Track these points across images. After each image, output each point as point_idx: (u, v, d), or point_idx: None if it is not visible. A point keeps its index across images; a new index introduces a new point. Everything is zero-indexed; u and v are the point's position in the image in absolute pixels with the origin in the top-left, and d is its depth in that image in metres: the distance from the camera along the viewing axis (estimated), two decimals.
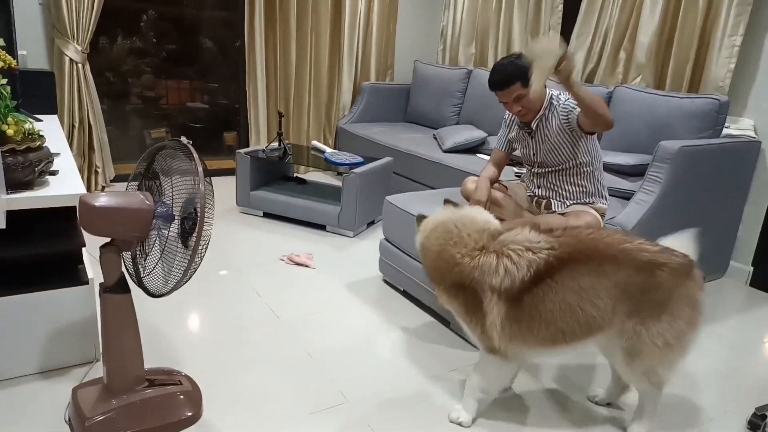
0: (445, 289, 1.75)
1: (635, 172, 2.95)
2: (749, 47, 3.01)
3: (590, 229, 1.70)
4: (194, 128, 5.12)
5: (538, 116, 2.33)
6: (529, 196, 2.53)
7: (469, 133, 3.97)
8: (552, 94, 2.33)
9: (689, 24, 3.17)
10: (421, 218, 1.88)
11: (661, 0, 3.27)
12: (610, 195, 2.56)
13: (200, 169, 1.53)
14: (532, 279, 1.61)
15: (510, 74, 2.20)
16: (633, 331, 1.59)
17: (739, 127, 3.03)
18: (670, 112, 2.99)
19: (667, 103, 3.02)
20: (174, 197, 1.60)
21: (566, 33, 3.99)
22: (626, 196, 2.77)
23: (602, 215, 2.39)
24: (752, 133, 2.99)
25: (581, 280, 1.59)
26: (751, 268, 3.14)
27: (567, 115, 2.26)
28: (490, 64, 4.54)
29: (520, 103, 2.25)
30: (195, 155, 1.56)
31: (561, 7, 4.03)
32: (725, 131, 2.97)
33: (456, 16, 4.81)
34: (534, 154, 2.41)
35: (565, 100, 2.27)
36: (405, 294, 2.73)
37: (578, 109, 2.17)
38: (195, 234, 1.51)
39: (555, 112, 2.31)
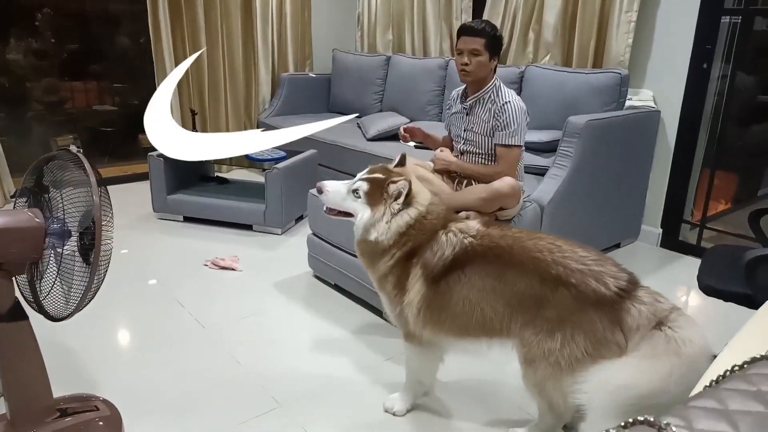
0: (395, 258, 1.68)
1: (549, 149, 3.04)
2: (644, 22, 3.16)
3: (519, 230, 1.64)
4: (105, 132, 4.84)
5: (476, 95, 2.35)
6: (452, 175, 2.55)
7: (392, 120, 3.97)
8: (496, 83, 2.35)
9: (589, 3, 3.29)
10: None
11: None
12: (525, 173, 2.63)
13: (93, 179, 1.44)
14: (449, 264, 1.60)
15: (485, 30, 2.26)
16: (528, 340, 1.49)
17: (640, 98, 3.19)
18: (577, 88, 3.10)
19: (575, 80, 3.13)
20: (68, 211, 1.50)
21: (477, 16, 4.05)
22: (541, 172, 2.86)
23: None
24: (652, 104, 3.16)
25: (485, 281, 1.55)
26: (660, 230, 3.34)
27: (495, 126, 2.32)
28: (408, 50, 4.56)
29: (471, 58, 2.27)
30: (86, 164, 1.46)
31: None
32: (628, 103, 3.12)
33: (371, 2, 4.78)
34: (464, 131, 2.44)
35: (502, 104, 2.29)
36: (336, 287, 2.71)
37: (500, 132, 2.31)
38: (94, 249, 1.42)
39: (491, 106, 2.33)
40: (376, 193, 1.66)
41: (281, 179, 3.29)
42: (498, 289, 1.53)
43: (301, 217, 3.63)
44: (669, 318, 1.38)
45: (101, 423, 1.64)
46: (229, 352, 2.17)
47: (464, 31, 2.31)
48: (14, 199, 3.70)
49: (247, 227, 3.46)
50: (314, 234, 2.73)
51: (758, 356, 0.54)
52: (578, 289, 1.42)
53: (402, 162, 1.84)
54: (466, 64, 2.28)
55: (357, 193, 1.68)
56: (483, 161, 2.44)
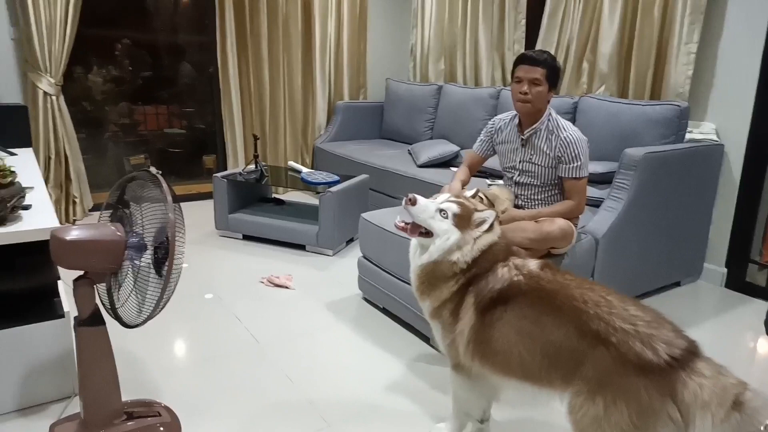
0: (459, 284, 1.67)
1: (604, 180, 3.02)
2: (705, 54, 3.11)
3: (573, 277, 1.55)
4: (173, 153, 5.13)
5: (533, 127, 2.36)
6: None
7: (443, 147, 4.04)
8: (551, 114, 2.36)
9: (647, 33, 3.28)
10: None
11: (619, 11, 3.38)
12: None
13: (169, 198, 1.56)
14: (495, 297, 1.57)
15: (546, 60, 2.27)
16: (572, 405, 1.39)
17: (701, 131, 3.12)
18: (634, 120, 3.07)
19: (631, 111, 3.10)
20: (145, 226, 1.62)
21: (530, 46, 4.09)
22: (596, 203, 2.84)
23: (575, 225, 2.43)
24: (715, 137, 3.09)
25: (522, 322, 1.50)
26: (725, 270, 3.21)
27: (559, 158, 2.32)
28: (460, 80, 4.64)
29: (531, 88, 2.28)
30: (164, 185, 1.59)
31: (524, 22, 4.14)
32: (689, 136, 3.06)
33: (424, 33, 4.91)
34: (521, 162, 2.44)
35: (565, 137, 2.30)
36: (384, 311, 2.76)
37: (567, 165, 2.32)
38: (167, 262, 1.53)
39: (551, 137, 2.34)
40: (465, 217, 1.66)
41: (334, 202, 3.39)
42: (535, 334, 1.47)
43: (351, 240, 3.72)
44: (746, 400, 1.24)
45: (162, 429, 1.73)
46: (282, 369, 2.24)
47: (525, 59, 2.32)
48: (92, 213, 4.00)
49: (301, 247, 3.57)
50: (365, 257, 2.80)
51: None
52: (618, 350, 1.31)
53: (474, 196, 1.89)
54: (526, 93, 2.29)
55: (444, 214, 1.66)
56: (541, 192, 2.44)
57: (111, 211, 1.70)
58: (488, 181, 3.41)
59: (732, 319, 2.86)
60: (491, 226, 1.66)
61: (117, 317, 1.64)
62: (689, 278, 3.24)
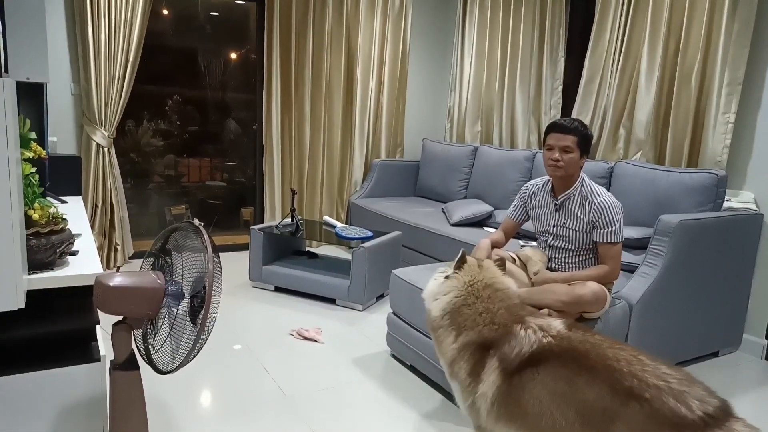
0: (459, 343, 1.74)
1: (639, 246, 2.98)
2: (743, 123, 3.11)
3: (602, 336, 1.56)
4: (212, 204, 5.31)
5: (566, 193, 2.40)
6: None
7: (476, 207, 4.07)
8: (584, 180, 2.40)
9: (684, 102, 3.30)
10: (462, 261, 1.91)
11: (656, 79, 3.43)
12: None
13: (209, 249, 1.62)
14: (526, 360, 1.58)
15: (576, 128, 2.33)
16: None
17: (740, 200, 3.08)
18: (670, 187, 3.06)
19: (668, 178, 3.09)
20: (184, 275, 1.68)
21: (566, 111, 4.16)
22: (631, 269, 2.80)
23: (609, 290, 2.40)
24: (753, 206, 3.04)
25: (557, 384, 1.50)
26: (766, 342, 3.08)
27: (593, 223, 2.34)
28: (496, 142, 4.72)
29: (562, 155, 2.32)
30: (205, 236, 1.66)
31: (560, 87, 4.23)
32: (726, 204, 3.02)
33: (462, 96, 5.05)
34: (554, 227, 2.46)
35: (599, 202, 2.32)
36: (412, 369, 2.73)
37: (601, 230, 2.33)
38: (203, 312, 1.58)
39: (584, 202, 2.36)
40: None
41: (367, 257, 3.43)
42: (568, 395, 1.47)
43: (382, 296, 3.72)
44: None
45: None
46: (308, 423, 2.22)
47: (555, 128, 2.37)
48: (131, 260, 4.14)
49: (332, 301, 3.59)
50: (394, 313, 2.80)
51: None
52: (652, 406, 1.31)
53: (462, 260, 1.91)
54: (558, 160, 2.33)
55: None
56: (575, 256, 2.43)
57: (153, 259, 1.78)
58: (521, 242, 3.40)
59: None
60: (461, 264, 1.85)
61: (151, 363, 1.68)
62: (728, 349, 3.11)
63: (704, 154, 3.20)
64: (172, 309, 1.65)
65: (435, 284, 1.92)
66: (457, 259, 1.92)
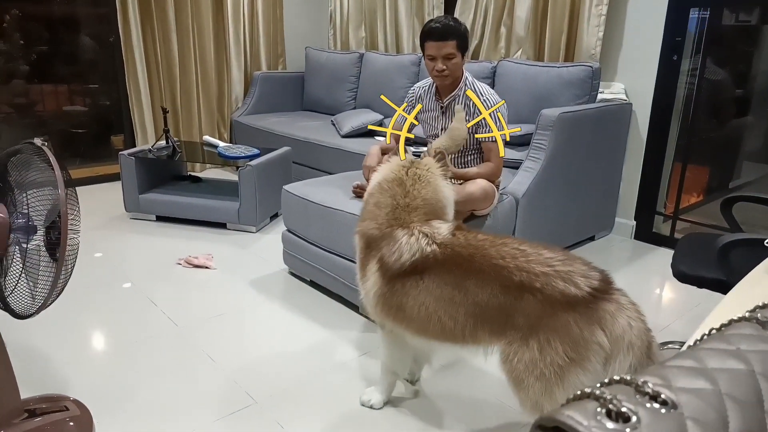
0: (357, 229, 1.74)
1: (523, 142, 3.06)
2: (614, 16, 3.21)
3: (484, 236, 1.55)
4: (76, 134, 4.72)
5: (452, 94, 2.35)
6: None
7: (366, 117, 3.96)
8: (468, 79, 2.34)
9: None
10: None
11: None
12: None
13: (58, 172, 1.39)
14: (409, 268, 1.56)
15: (452, 30, 2.20)
16: (505, 354, 1.43)
17: (612, 91, 3.23)
18: (550, 82, 3.13)
19: (547, 74, 3.16)
20: (33, 206, 1.45)
21: (449, 11, 4.06)
22: (516, 165, 2.88)
23: (497, 186, 2.45)
24: (624, 96, 3.21)
25: (444, 289, 1.51)
26: (634, 222, 3.39)
27: (477, 123, 2.29)
28: (381, 47, 4.55)
29: (447, 62, 2.23)
30: (51, 157, 1.42)
31: None
32: (600, 96, 3.16)
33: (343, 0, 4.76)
34: (442, 130, 2.42)
35: (484, 100, 2.28)
36: (312, 284, 2.68)
37: (485, 129, 2.28)
38: (60, 242, 1.38)
39: (469, 102, 2.31)
40: None
41: (255, 177, 3.25)
42: (457, 298, 1.48)
43: (276, 215, 3.59)
44: (654, 353, 1.35)
45: (72, 423, 1.59)
46: (204, 351, 2.12)
47: (432, 35, 2.23)
48: None
49: (222, 225, 3.41)
50: (289, 231, 2.70)
51: (736, 318, 0.54)
52: (544, 293, 1.36)
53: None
54: (443, 69, 2.25)
55: None
56: (463, 156, 2.44)
57: None
58: (412, 149, 3.37)
59: (642, 266, 3.04)
60: None
61: (7, 308, 1.47)
62: (603, 232, 3.39)
63: (580, 47, 3.29)
64: (23, 245, 1.42)
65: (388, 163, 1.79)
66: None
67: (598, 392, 0.41)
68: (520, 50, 3.57)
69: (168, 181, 3.71)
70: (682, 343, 2.09)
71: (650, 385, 0.42)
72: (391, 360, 1.79)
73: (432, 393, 1.92)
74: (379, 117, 3.97)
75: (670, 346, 2.14)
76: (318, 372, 2.01)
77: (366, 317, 2.35)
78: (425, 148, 2.75)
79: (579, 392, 0.41)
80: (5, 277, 1.45)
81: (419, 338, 1.62)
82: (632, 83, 3.22)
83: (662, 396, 0.40)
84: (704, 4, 3.05)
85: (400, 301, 1.58)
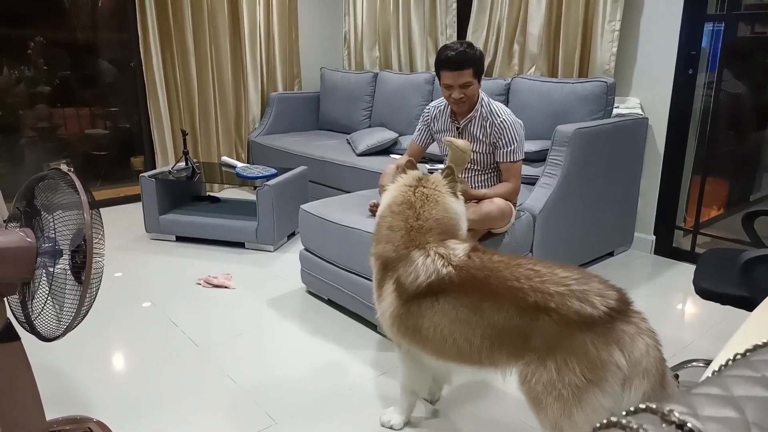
0: (373, 250, 1.74)
1: (538, 158, 3.06)
2: (628, 31, 3.21)
3: (500, 257, 1.54)
4: (97, 156, 4.82)
5: (468, 117, 2.36)
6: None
7: (381, 135, 3.99)
8: (483, 99, 2.35)
9: (573, 13, 3.35)
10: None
11: None
12: None
13: (84, 197, 1.43)
14: (425, 289, 1.56)
15: (468, 59, 2.19)
16: (523, 375, 1.42)
17: (627, 106, 3.23)
18: (564, 98, 3.13)
19: (562, 89, 3.17)
20: (59, 231, 1.48)
21: (462, 30, 4.10)
22: (532, 182, 2.88)
23: (514, 204, 2.45)
24: (639, 111, 3.20)
25: (460, 311, 1.50)
26: (653, 237, 3.35)
27: (495, 144, 2.32)
28: (395, 66, 4.60)
29: (464, 90, 2.24)
30: (77, 183, 1.46)
31: (455, 5, 4.14)
32: (615, 111, 3.15)
33: (357, 20, 4.83)
34: None
35: (500, 122, 2.29)
36: (330, 303, 2.69)
37: (503, 150, 2.31)
38: (86, 266, 1.41)
39: (485, 123, 2.33)
40: None
41: (273, 196, 3.29)
42: (473, 320, 1.48)
43: (293, 234, 3.62)
44: (668, 383, 1.32)
45: None
46: (224, 370, 2.14)
47: (448, 64, 2.21)
48: (5, 223, 3.71)
49: (240, 245, 3.44)
50: (307, 249, 2.72)
51: (761, 343, 0.54)
52: (559, 313, 1.34)
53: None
54: (461, 98, 2.25)
55: None
56: (480, 175, 2.45)
57: (19, 217, 1.55)
58: (428, 166, 3.39)
59: (663, 282, 2.99)
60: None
61: (33, 330, 1.50)
62: (622, 248, 3.36)
63: (594, 63, 3.30)
64: (49, 268, 1.45)
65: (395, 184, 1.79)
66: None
67: (624, 421, 0.41)
68: (534, 67, 3.58)
69: (187, 202, 3.77)
70: (707, 362, 2.06)
71: (676, 413, 0.42)
72: (410, 380, 1.79)
73: (452, 413, 1.91)
74: (394, 135, 4.00)
75: (693, 364, 2.10)
76: (337, 391, 2.01)
77: (384, 336, 2.35)
78: (441, 166, 2.78)
79: (605, 421, 0.41)
80: (32, 301, 1.48)
81: (436, 359, 1.61)
82: (648, 98, 3.21)
83: (688, 425, 0.40)
84: (719, 17, 3.04)
85: (416, 322, 1.58)
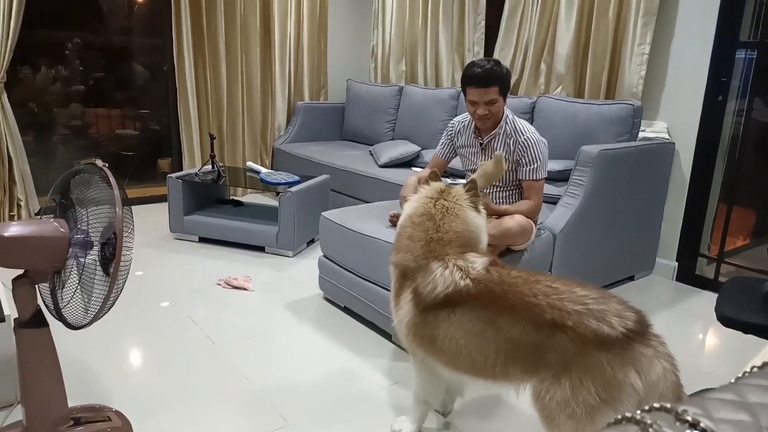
0: (392, 258, 1.76)
1: (561, 178, 3.06)
2: (658, 55, 3.21)
3: (518, 273, 1.55)
4: (126, 156, 4.95)
5: (492, 133, 2.37)
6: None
7: (404, 148, 4.03)
8: (508, 116, 2.37)
9: (602, 35, 3.36)
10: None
11: (575, 13, 3.45)
12: None
13: (117, 191, 1.48)
14: (442, 300, 1.57)
15: (495, 76, 2.21)
16: (537, 391, 1.42)
17: (654, 129, 3.21)
18: (590, 119, 3.14)
19: (587, 111, 3.17)
20: (91, 223, 1.53)
21: (489, 48, 4.14)
22: (553, 201, 2.88)
23: (534, 221, 2.46)
24: (666, 135, 3.18)
25: (476, 324, 1.51)
26: (676, 264, 3.31)
27: (518, 161, 2.33)
28: (421, 81, 4.65)
29: (489, 107, 2.26)
30: (111, 178, 1.51)
31: (483, 23, 4.18)
32: (641, 134, 3.14)
33: (385, 34, 4.90)
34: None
35: (524, 140, 2.31)
36: (346, 310, 2.72)
37: (526, 167, 2.34)
38: (115, 259, 1.45)
39: (509, 141, 2.35)
40: None
41: (294, 202, 3.33)
42: (488, 333, 1.48)
43: (312, 241, 3.66)
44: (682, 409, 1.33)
45: None
46: (240, 369, 2.17)
47: (475, 81, 2.23)
48: (39, 216, 3.82)
49: (260, 249, 3.49)
50: (325, 256, 2.75)
51: None
52: (576, 332, 1.34)
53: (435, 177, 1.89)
54: (486, 115, 2.27)
55: None
56: (501, 191, 2.46)
57: (54, 209, 1.61)
58: (449, 180, 3.41)
59: (684, 309, 2.95)
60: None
61: (61, 318, 1.55)
62: (642, 272, 3.32)
63: (621, 85, 3.30)
64: (80, 259, 1.50)
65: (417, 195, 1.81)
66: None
67: (639, 416, 0.42)
68: (560, 87, 3.59)
69: (211, 204, 3.84)
70: None
71: (690, 413, 0.44)
72: (424, 390, 1.79)
73: (463, 426, 1.90)
74: (417, 148, 4.04)
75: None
76: (349, 398, 2.02)
77: (398, 346, 2.36)
78: (462, 181, 2.79)
79: (620, 416, 0.43)
80: (62, 290, 1.53)
81: (450, 370, 1.62)
82: (675, 122, 3.20)
83: (701, 425, 0.42)
84: (752, 45, 3.03)
85: (432, 333, 1.59)
